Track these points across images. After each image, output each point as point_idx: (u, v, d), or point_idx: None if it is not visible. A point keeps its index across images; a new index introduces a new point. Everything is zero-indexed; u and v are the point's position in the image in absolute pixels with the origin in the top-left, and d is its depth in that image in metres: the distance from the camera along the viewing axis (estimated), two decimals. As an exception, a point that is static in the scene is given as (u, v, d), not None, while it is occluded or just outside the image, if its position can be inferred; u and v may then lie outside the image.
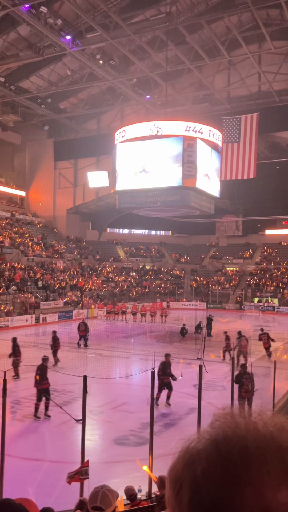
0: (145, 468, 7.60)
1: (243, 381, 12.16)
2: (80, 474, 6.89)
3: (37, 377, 12.16)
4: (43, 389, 12.19)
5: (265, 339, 20.58)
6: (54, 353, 18.72)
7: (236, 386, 11.60)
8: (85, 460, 7.30)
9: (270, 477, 0.63)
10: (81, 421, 7.63)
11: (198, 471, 0.66)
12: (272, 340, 20.53)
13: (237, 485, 0.63)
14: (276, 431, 0.68)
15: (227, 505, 0.63)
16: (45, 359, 12.77)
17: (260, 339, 20.74)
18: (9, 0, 24.78)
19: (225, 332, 20.63)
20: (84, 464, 7.09)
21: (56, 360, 18.48)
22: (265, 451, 0.65)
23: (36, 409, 12.19)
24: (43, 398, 12.22)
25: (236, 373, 11.86)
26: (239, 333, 20.21)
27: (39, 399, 12.20)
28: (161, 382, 13.27)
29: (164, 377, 13.34)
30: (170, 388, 13.51)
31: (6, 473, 7.18)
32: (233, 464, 0.64)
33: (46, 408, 12.27)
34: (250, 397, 12.16)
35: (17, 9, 25.34)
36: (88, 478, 6.85)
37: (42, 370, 12.24)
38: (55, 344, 19.08)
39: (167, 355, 13.84)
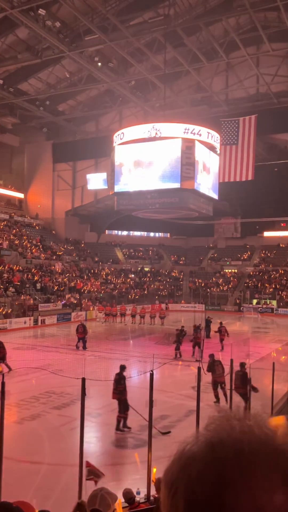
0: (155, 470, 7.57)
1: (215, 368, 13.75)
2: (94, 475, 6.87)
3: None
4: None
5: (224, 331, 23.85)
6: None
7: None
8: (84, 462, 7.27)
9: (265, 480, 0.63)
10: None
11: (193, 474, 0.66)
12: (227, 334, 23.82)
13: (232, 488, 0.63)
14: (272, 434, 0.67)
15: (222, 508, 0.63)
16: None
17: (219, 331, 23.87)
18: (8, 3, 24.81)
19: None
20: (88, 465, 7.06)
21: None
22: (260, 454, 0.65)
23: None
24: None
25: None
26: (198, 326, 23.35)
27: None
28: (118, 399, 11.51)
29: (117, 391, 11.54)
30: (126, 407, 11.36)
31: (4, 475, 7.15)
32: (228, 467, 0.64)
33: None
34: (223, 381, 13.33)
35: (16, 11, 25.36)
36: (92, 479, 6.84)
37: None
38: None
39: (123, 367, 11.99)
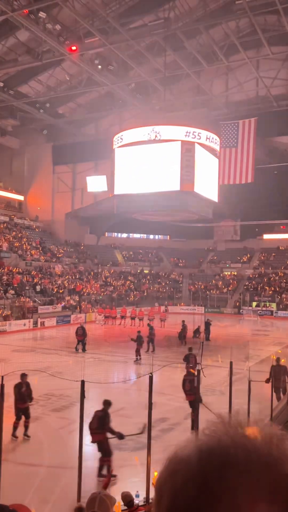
0: (156, 474, 7.56)
1: (190, 359, 15.39)
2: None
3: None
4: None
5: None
6: None
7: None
8: (83, 465, 7.26)
9: (247, 493, 0.61)
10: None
11: (179, 480, 0.65)
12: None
13: (212, 499, 0.61)
14: (264, 445, 0.66)
15: None
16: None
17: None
18: (8, 6, 24.88)
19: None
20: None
21: None
22: (247, 465, 0.63)
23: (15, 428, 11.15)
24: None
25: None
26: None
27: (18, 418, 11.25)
28: (99, 441, 9.17)
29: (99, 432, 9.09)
30: (109, 451, 9.21)
31: (2, 478, 7.14)
32: (211, 477, 0.63)
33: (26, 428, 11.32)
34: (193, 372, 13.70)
35: (16, 14, 25.43)
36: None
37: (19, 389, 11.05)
38: None
39: (108, 403, 9.55)
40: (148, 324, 26.66)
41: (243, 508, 0.60)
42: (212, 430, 0.69)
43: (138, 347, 21.30)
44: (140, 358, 21.10)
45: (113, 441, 9.43)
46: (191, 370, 13.85)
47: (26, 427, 11.23)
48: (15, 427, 11.06)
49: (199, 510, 0.62)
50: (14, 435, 11.02)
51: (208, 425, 0.71)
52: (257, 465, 0.63)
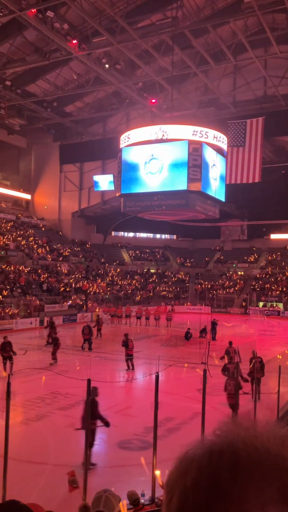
0: (158, 473, 7.55)
1: (128, 344, 18.52)
2: (71, 483, 6.90)
3: None
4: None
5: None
6: None
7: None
8: (91, 463, 7.26)
9: (257, 496, 0.61)
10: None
11: (189, 481, 0.64)
12: None
13: (222, 501, 0.61)
14: (275, 446, 0.65)
15: None
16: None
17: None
18: (16, 5, 24.96)
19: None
20: (71, 473, 7.07)
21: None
22: (258, 468, 0.63)
23: None
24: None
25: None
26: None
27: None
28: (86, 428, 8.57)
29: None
30: (92, 441, 9.26)
31: (9, 476, 7.16)
32: (221, 478, 0.62)
33: None
34: (132, 354, 18.96)
35: (24, 13, 25.50)
36: (78, 487, 6.87)
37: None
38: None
39: (95, 389, 9.31)
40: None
41: (254, 510, 0.60)
42: (223, 431, 0.69)
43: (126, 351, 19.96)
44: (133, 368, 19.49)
45: (118, 442, 9.43)
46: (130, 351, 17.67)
47: None
48: None
49: (209, 510, 0.62)
50: None
51: (219, 426, 0.70)
52: (269, 467, 0.63)
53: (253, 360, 14.56)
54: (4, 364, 17.25)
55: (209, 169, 26.27)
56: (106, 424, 9.48)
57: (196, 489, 0.63)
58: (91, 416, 8.82)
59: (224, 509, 0.61)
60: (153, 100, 35.26)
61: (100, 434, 11.13)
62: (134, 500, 6.41)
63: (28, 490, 8.14)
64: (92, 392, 8.74)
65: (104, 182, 45.83)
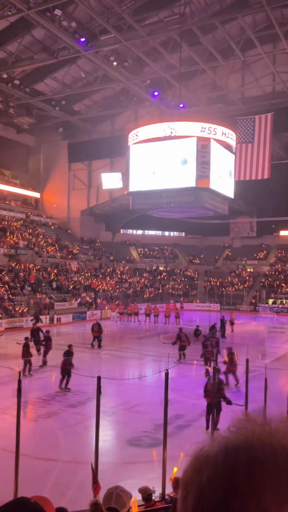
0: (175, 470, 7.57)
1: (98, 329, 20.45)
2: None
3: None
4: None
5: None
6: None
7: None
8: (99, 460, 7.31)
9: (274, 493, 0.61)
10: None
11: (204, 477, 0.65)
12: None
13: (239, 498, 0.61)
14: None
15: None
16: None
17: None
18: (25, 4, 25.02)
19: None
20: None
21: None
22: (274, 464, 0.63)
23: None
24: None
25: None
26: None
27: None
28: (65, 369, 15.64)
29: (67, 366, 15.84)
30: (69, 373, 15.39)
31: (20, 473, 7.23)
32: (237, 475, 0.62)
33: None
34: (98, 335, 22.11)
35: (32, 12, 25.56)
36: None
37: None
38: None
39: (70, 346, 16.36)
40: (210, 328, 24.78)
41: (270, 508, 0.60)
42: (239, 428, 0.69)
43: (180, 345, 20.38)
44: (185, 357, 20.15)
45: (128, 439, 9.42)
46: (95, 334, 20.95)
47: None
48: None
49: (225, 508, 0.61)
50: None
51: (234, 423, 0.70)
52: (285, 464, 0.63)
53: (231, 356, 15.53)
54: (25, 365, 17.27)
55: (217, 165, 26.19)
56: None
57: (212, 486, 0.63)
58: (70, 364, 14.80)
59: (240, 505, 0.61)
60: (156, 93, 34.91)
61: (110, 431, 11.20)
62: (147, 495, 6.43)
63: (39, 486, 8.21)
64: (69, 347, 15.60)
65: (113, 180, 45.85)
